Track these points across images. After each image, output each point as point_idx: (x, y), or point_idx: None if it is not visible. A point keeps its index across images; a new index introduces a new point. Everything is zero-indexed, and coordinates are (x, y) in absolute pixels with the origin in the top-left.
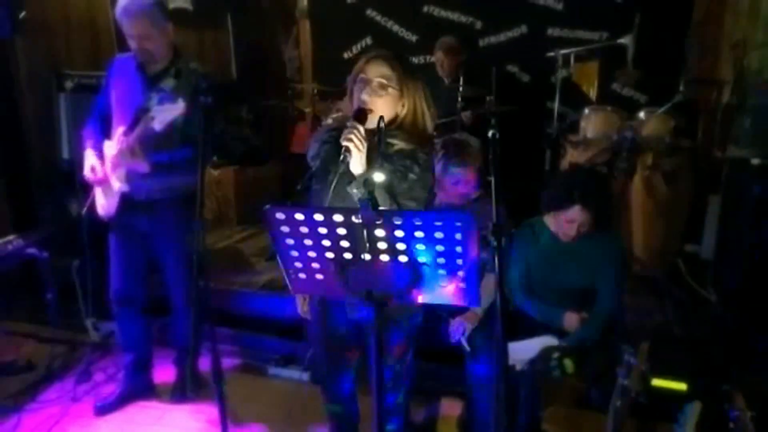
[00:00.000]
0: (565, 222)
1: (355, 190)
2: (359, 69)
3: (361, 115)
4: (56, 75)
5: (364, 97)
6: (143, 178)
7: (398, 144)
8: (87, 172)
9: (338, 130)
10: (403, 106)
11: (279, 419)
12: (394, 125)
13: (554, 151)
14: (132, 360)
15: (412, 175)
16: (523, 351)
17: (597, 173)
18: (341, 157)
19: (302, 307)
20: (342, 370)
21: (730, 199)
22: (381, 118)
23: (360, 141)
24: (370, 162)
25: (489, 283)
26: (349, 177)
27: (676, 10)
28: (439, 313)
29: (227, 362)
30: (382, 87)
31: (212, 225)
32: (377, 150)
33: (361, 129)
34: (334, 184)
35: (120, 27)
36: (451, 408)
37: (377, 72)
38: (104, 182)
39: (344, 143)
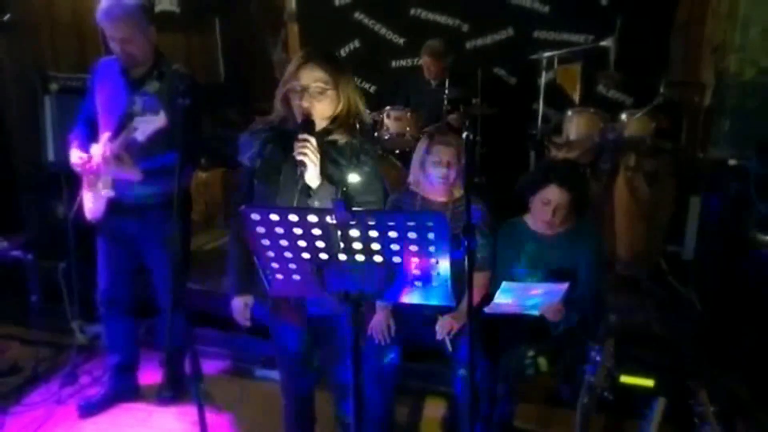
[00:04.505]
0: (541, 205)
1: (317, 203)
2: (292, 75)
3: (309, 125)
4: (41, 77)
5: (305, 104)
6: (131, 184)
7: (343, 139)
8: (75, 161)
9: (276, 129)
10: (339, 103)
11: (266, 420)
12: (336, 122)
13: (538, 152)
14: (118, 361)
15: (366, 168)
16: (521, 295)
17: (573, 161)
18: (298, 171)
19: (244, 314)
20: (293, 328)
21: (709, 200)
22: (339, 114)
23: (314, 153)
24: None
25: (476, 282)
26: (306, 190)
27: (659, 12)
28: (426, 313)
29: (215, 364)
30: (321, 91)
31: (201, 227)
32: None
33: (313, 141)
34: (297, 193)
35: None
36: (435, 408)
37: (312, 77)
38: (95, 172)
39: (299, 157)
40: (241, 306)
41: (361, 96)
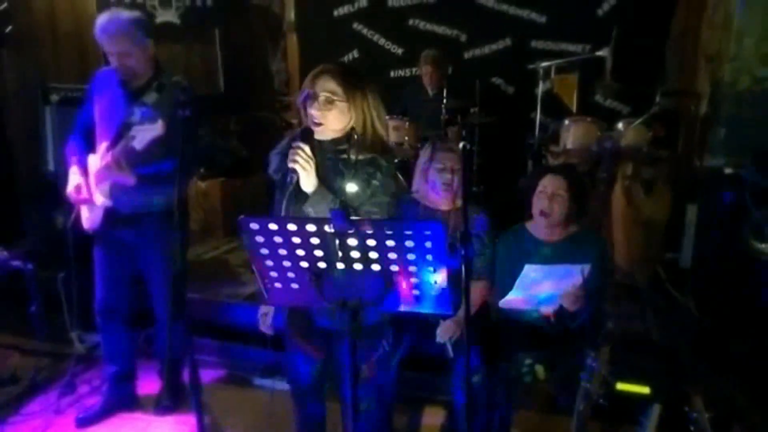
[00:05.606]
0: (538, 199)
1: (310, 209)
2: (306, 85)
3: (307, 134)
4: (42, 88)
5: (313, 111)
6: (127, 192)
7: (353, 155)
8: (71, 191)
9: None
10: (351, 118)
11: (263, 429)
12: (349, 136)
13: (536, 161)
14: (115, 371)
15: (375, 182)
16: (534, 278)
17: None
18: (287, 178)
19: (264, 322)
20: (306, 360)
21: (706, 208)
22: (352, 129)
23: (306, 160)
24: (324, 177)
25: (476, 290)
26: (303, 197)
27: (655, 23)
28: (427, 320)
29: (212, 373)
30: (329, 101)
31: (199, 236)
32: (342, 161)
33: (306, 149)
34: (285, 199)
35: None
36: (434, 416)
37: (323, 87)
38: (87, 202)
39: (290, 164)
40: (261, 314)
41: (381, 116)
